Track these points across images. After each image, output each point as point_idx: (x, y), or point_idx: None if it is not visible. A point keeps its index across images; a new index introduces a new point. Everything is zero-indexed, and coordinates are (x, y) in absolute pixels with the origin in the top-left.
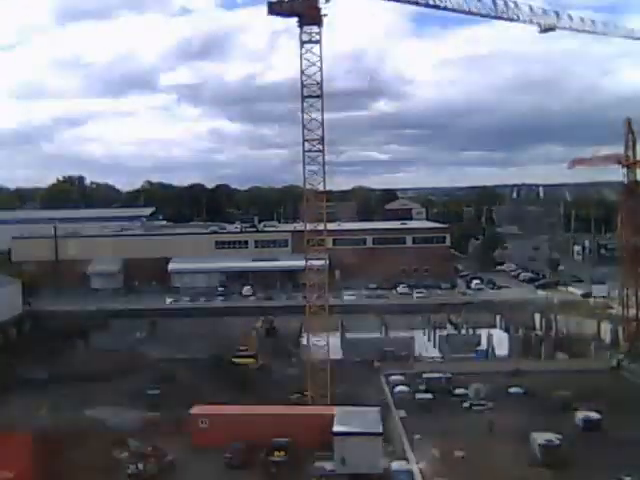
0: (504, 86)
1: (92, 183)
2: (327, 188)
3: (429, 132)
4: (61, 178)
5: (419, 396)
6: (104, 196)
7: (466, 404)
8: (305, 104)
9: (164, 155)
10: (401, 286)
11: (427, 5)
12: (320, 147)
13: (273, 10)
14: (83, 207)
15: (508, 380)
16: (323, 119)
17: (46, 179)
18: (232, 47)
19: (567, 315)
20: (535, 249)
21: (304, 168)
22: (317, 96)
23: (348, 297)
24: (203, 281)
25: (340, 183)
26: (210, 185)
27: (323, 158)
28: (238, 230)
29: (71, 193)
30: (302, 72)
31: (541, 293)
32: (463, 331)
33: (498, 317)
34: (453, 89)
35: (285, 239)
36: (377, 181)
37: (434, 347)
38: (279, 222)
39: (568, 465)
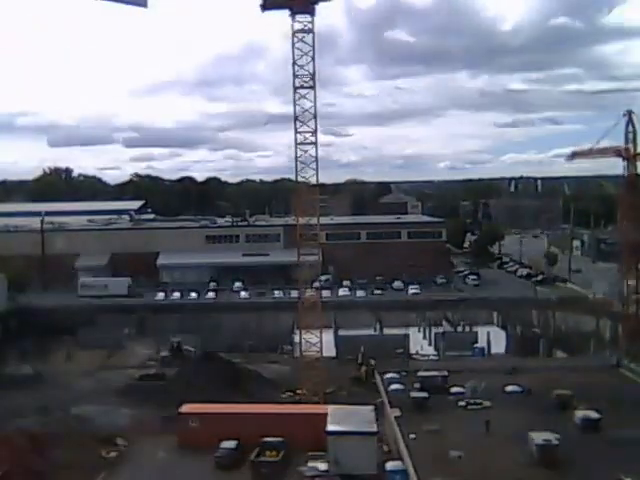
0: None
1: (79, 175)
2: (320, 181)
3: None
4: (48, 170)
5: (414, 394)
6: (92, 189)
7: (462, 403)
8: (297, 95)
9: None
10: (396, 282)
11: None
12: (313, 139)
13: (267, 6)
14: (70, 200)
15: (505, 378)
16: (316, 111)
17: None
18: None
19: (565, 312)
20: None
21: (296, 161)
22: (310, 87)
23: (342, 293)
24: (193, 276)
25: (333, 176)
26: (200, 178)
27: (316, 150)
28: (229, 224)
29: (58, 186)
30: (294, 62)
31: (539, 289)
32: (459, 328)
33: (495, 314)
34: None
35: (277, 233)
36: None
37: (429, 345)
38: (271, 216)
39: (566, 465)
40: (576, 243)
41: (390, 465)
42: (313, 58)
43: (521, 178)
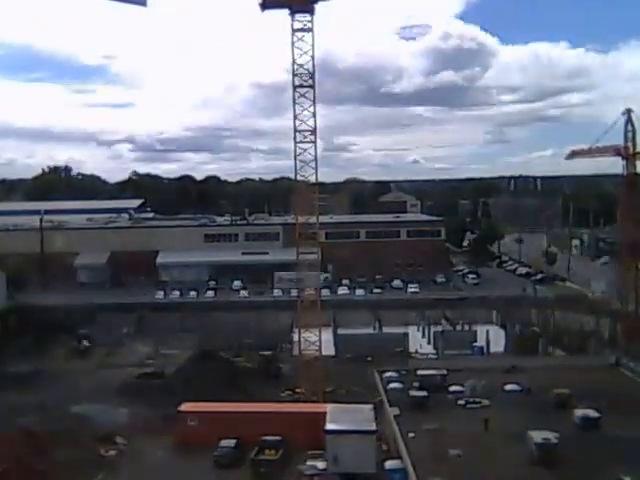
0: None
1: (79, 174)
2: (319, 180)
3: None
4: (47, 169)
5: (413, 393)
6: (91, 187)
7: (461, 401)
8: (296, 94)
9: None
10: (395, 281)
11: None
12: (312, 138)
13: (266, 5)
14: (69, 199)
15: (504, 377)
16: (315, 109)
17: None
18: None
19: (565, 311)
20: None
21: (295, 159)
22: (309, 86)
23: (341, 292)
24: (192, 275)
25: (333, 175)
26: (200, 177)
27: (315, 149)
28: (228, 223)
29: (57, 184)
30: (294, 61)
31: (538, 288)
32: (458, 327)
33: (494, 313)
34: None
35: (276, 232)
36: None
37: (429, 343)
38: (270, 215)
39: (566, 464)
40: (575, 242)
41: (389, 464)
42: (312, 57)
43: (520, 177)
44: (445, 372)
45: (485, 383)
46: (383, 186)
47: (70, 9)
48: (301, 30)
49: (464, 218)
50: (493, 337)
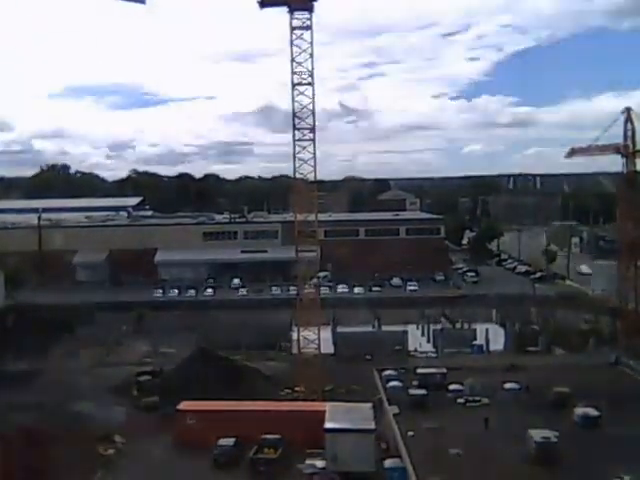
0: None
1: (77, 172)
2: (318, 178)
3: None
4: (45, 167)
5: (413, 392)
6: (89, 185)
7: (461, 400)
8: (295, 92)
9: None
10: (394, 279)
11: None
12: (311, 136)
13: (265, 3)
14: (68, 197)
15: (504, 375)
16: (314, 107)
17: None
18: None
19: (564, 309)
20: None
21: (294, 157)
22: (308, 83)
23: (341, 290)
24: (191, 273)
25: (331, 173)
26: (199, 175)
27: (314, 147)
28: (227, 221)
29: (55, 182)
30: (292, 59)
31: (538, 286)
32: (458, 325)
33: (494, 311)
34: None
35: (275, 230)
36: None
37: (428, 342)
38: (269, 213)
39: (565, 463)
40: (575, 240)
41: (389, 462)
42: (311, 55)
43: (519, 175)
44: (444, 370)
45: (485, 381)
46: (382, 184)
47: (68, 9)
48: (300, 28)
49: (463, 216)
50: (492, 335)
